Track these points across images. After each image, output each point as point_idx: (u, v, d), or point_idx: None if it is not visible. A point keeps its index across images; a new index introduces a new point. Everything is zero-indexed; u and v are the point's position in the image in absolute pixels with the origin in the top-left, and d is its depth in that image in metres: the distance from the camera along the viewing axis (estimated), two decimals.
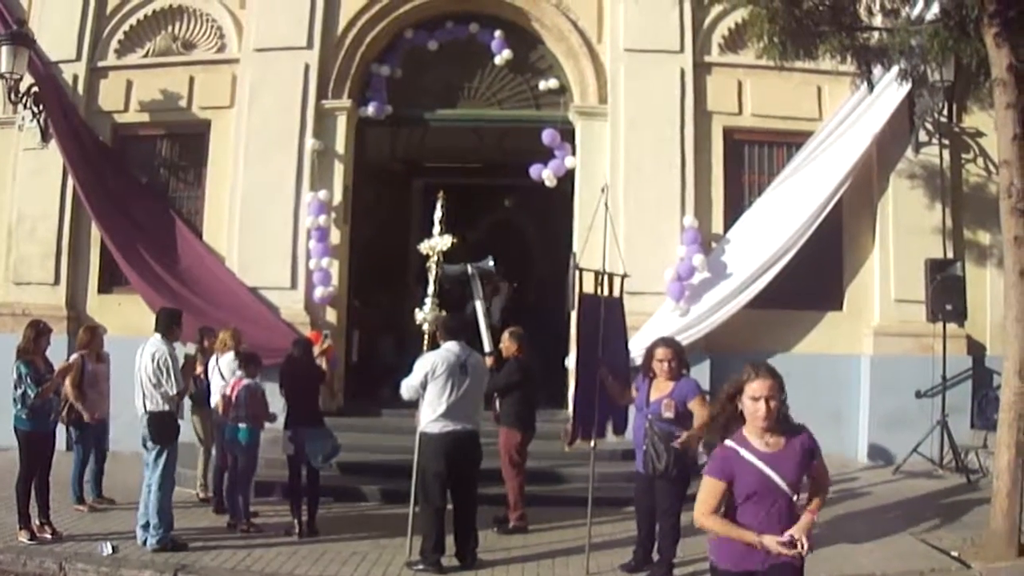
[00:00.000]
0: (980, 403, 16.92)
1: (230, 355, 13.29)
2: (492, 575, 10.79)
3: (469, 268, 15.97)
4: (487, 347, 15.15)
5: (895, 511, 13.64)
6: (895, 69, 13.67)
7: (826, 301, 17.45)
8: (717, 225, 17.22)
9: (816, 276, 17.15)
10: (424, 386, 10.88)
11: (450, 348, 11.09)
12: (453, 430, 10.79)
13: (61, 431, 13.03)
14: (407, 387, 11.08)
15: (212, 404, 13.31)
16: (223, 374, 13.16)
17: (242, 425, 12.46)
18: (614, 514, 11.87)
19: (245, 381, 12.58)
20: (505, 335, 13.47)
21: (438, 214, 12.90)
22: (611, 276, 11.79)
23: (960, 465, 15.67)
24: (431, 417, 10.84)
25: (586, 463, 11.42)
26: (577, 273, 11.65)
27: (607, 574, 10.78)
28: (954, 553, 11.34)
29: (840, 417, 17.05)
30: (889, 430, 16.78)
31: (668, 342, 11.14)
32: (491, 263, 16.46)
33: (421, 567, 10.75)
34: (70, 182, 17.75)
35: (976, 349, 17.24)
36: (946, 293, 16.16)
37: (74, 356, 13.21)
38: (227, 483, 12.81)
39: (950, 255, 16.98)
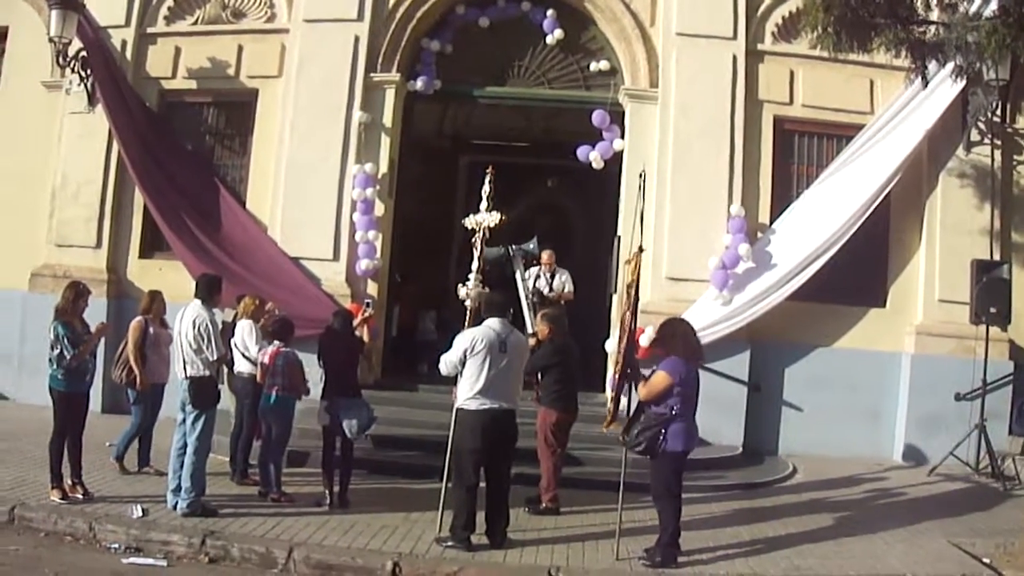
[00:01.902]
0: (1020, 409, 16.71)
1: (247, 321, 13.30)
2: (521, 555, 10.71)
3: (511, 249, 15.89)
4: (529, 328, 15.11)
5: (928, 513, 13.45)
6: (950, 65, 13.46)
7: (869, 297, 17.28)
8: (764, 215, 17.10)
9: (861, 272, 17.00)
10: (463, 362, 10.82)
11: (491, 325, 11.02)
12: (490, 408, 10.72)
13: (96, 392, 13.07)
14: (446, 362, 11.04)
15: (235, 370, 13.31)
16: (240, 339, 13.17)
17: (277, 393, 12.44)
18: (646, 500, 11.72)
19: (284, 349, 12.55)
20: (538, 317, 13.44)
21: (486, 189, 12.83)
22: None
23: (996, 471, 15.50)
24: (468, 394, 10.78)
25: (619, 447, 11.35)
26: (640, 255, 11.55)
27: (636, 560, 10.66)
28: (986, 559, 11.14)
29: (878, 415, 17.02)
30: (926, 431, 16.64)
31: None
32: (532, 245, 16.41)
33: (450, 543, 10.69)
34: (115, 147, 17.84)
35: (1018, 354, 16.98)
36: (991, 295, 16.00)
37: (137, 319, 13.24)
38: (260, 452, 12.79)
39: (997, 257, 16.79)
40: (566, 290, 17.06)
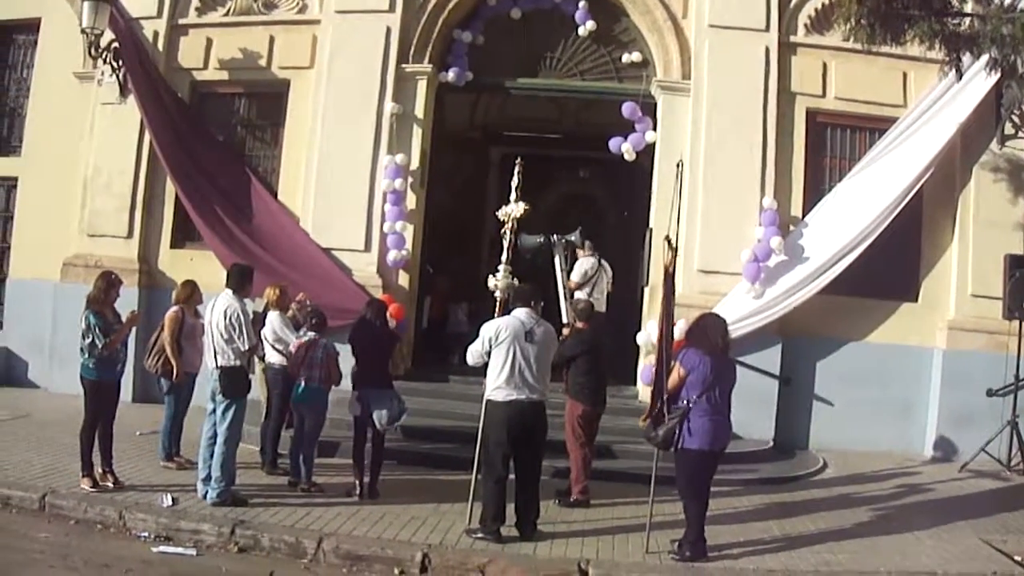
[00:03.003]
0: None
1: (276, 313, 13.33)
2: (551, 548, 10.71)
3: (553, 239, 15.81)
4: (565, 319, 15.08)
5: (959, 510, 13.38)
6: (984, 58, 13.30)
7: (901, 291, 17.16)
8: (796, 208, 16.99)
9: (893, 265, 16.90)
10: (488, 352, 10.86)
11: (518, 315, 11.04)
12: (516, 399, 10.72)
13: (127, 382, 13.11)
14: (471, 353, 11.11)
15: (267, 360, 13.35)
16: (271, 331, 13.20)
17: (313, 384, 12.46)
18: (677, 494, 11.68)
19: (323, 341, 12.59)
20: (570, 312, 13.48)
21: (515, 181, 12.81)
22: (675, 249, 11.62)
23: None
24: (494, 384, 10.82)
25: (644, 439, 11.32)
26: (665, 247, 11.50)
27: (666, 554, 10.66)
28: (1017, 557, 11.06)
29: (909, 410, 16.91)
30: (957, 427, 16.54)
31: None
32: (575, 236, 16.35)
33: (480, 535, 10.71)
34: (147, 137, 17.89)
35: None
36: None
37: (173, 309, 13.23)
38: (291, 442, 12.83)
39: None
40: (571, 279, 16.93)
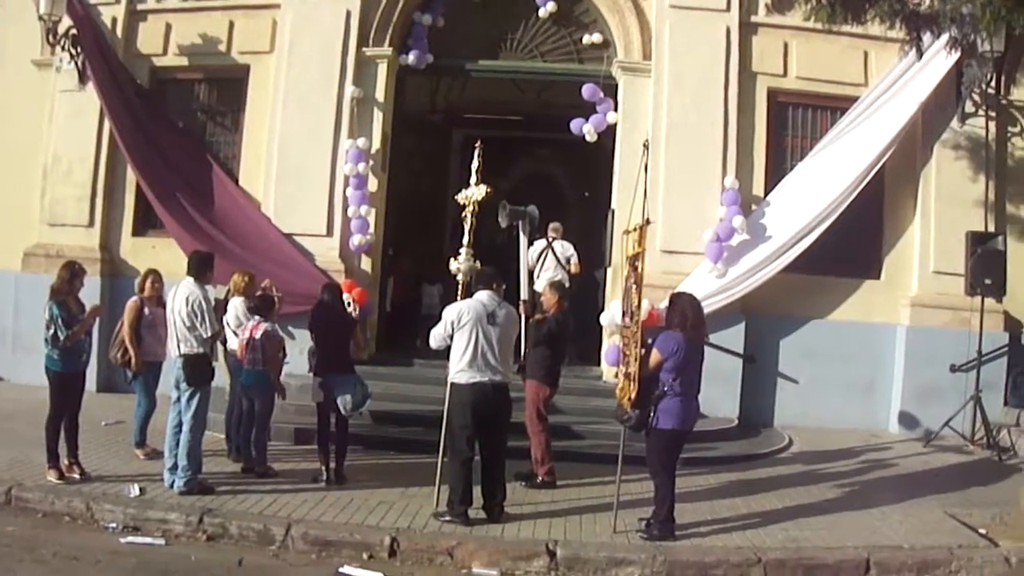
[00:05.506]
0: (1015, 380, 16.79)
1: (239, 299, 13.21)
2: (519, 529, 10.72)
3: (526, 209, 15.76)
4: (523, 294, 15.06)
5: (924, 485, 13.48)
6: (944, 37, 13.45)
7: (864, 269, 17.31)
8: (758, 187, 17.07)
9: (855, 243, 17.05)
10: (451, 336, 10.88)
11: (479, 297, 11.09)
12: (480, 381, 10.76)
13: (92, 372, 13.03)
14: (434, 336, 11.13)
15: (228, 347, 13.24)
16: (234, 317, 13.09)
17: (256, 368, 12.40)
18: (643, 473, 11.67)
19: (264, 325, 12.49)
20: (545, 287, 13.46)
21: (475, 164, 12.80)
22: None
23: (991, 442, 15.58)
24: (457, 367, 10.87)
25: (615, 420, 11.33)
26: (638, 232, 11.46)
27: (633, 533, 10.66)
28: (982, 530, 11.18)
29: (873, 387, 17.09)
30: (921, 403, 16.70)
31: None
32: (531, 209, 16.29)
33: (448, 518, 10.72)
34: (107, 125, 17.70)
35: (1013, 326, 17.07)
36: (986, 267, 15.97)
37: (132, 299, 13.15)
38: (243, 427, 12.81)
39: (992, 229, 16.79)
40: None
